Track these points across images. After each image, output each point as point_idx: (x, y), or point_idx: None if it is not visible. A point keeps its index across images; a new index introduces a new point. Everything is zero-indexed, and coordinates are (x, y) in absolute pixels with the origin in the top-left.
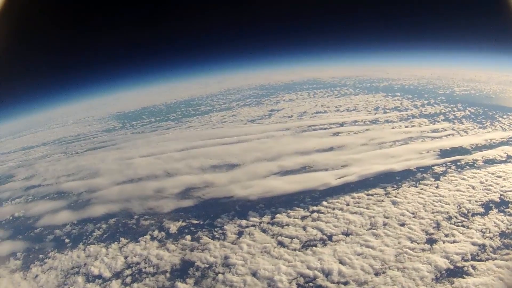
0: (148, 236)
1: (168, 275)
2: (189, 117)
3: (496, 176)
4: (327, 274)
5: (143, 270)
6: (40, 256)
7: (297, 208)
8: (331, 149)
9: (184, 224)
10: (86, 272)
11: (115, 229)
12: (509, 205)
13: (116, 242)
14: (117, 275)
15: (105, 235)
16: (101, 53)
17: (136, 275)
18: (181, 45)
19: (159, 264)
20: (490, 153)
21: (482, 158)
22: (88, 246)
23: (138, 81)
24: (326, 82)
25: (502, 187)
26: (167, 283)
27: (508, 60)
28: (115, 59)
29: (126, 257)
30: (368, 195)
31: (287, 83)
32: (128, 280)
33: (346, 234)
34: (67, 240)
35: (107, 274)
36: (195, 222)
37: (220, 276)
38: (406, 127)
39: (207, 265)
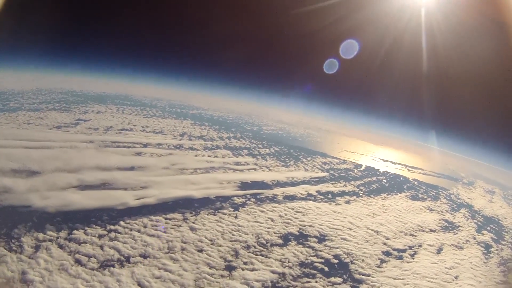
0: None
1: None
2: None
3: (296, 211)
4: None
5: None
6: None
7: (94, 226)
8: (132, 168)
9: None
10: None
11: None
12: (308, 238)
13: None
14: None
15: None
16: None
17: None
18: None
19: None
20: (291, 190)
21: (283, 194)
22: None
23: None
24: (138, 100)
25: (302, 221)
26: None
27: (316, 107)
28: None
29: None
30: (166, 219)
31: (100, 93)
32: None
33: (144, 256)
34: None
35: None
36: None
37: None
38: (209, 156)
39: (4, 280)
